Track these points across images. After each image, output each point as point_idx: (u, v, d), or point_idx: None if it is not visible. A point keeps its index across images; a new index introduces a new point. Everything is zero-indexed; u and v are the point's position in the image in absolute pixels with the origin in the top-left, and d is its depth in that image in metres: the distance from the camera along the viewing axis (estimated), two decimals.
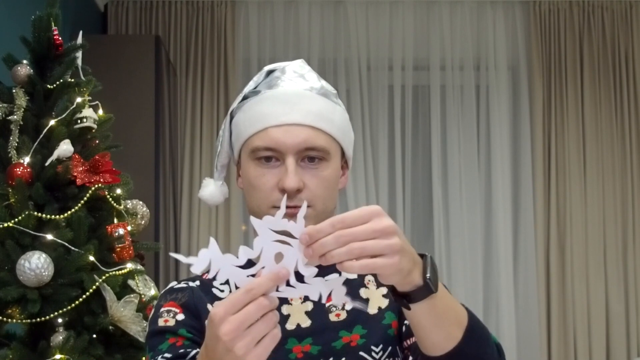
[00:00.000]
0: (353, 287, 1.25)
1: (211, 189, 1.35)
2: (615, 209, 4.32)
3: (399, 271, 0.91)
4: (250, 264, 0.92)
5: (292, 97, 1.24)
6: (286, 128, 1.21)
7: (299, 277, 0.92)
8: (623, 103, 4.39)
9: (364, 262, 0.89)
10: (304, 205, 0.95)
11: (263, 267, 0.91)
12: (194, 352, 1.15)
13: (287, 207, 1.21)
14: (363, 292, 1.26)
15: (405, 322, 1.21)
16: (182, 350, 1.16)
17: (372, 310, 1.23)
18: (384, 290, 1.25)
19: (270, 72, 1.29)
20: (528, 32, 4.45)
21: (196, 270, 0.91)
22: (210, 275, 0.88)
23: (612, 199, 4.32)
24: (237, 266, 0.91)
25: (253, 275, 0.91)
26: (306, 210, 1.22)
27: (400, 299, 0.97)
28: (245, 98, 1.28)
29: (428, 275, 0.95)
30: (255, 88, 1.28)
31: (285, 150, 1.20)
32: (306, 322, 1.20)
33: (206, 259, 0.90)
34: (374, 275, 1.26)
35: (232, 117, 1.30)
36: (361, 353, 1.18)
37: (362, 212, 0.91)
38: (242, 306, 0.90)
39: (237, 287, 0.91)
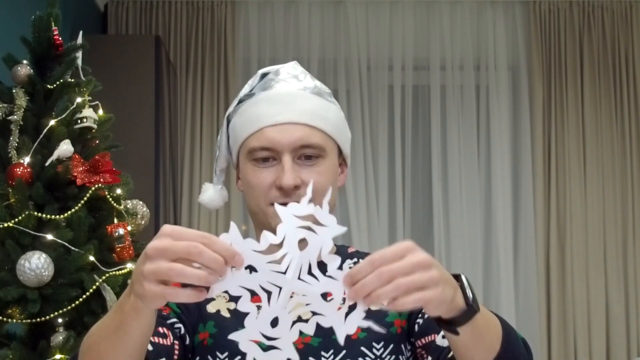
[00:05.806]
0: None
1: (210, 194, 1.37)
2: (615, 209, 4.32)
3: (443, 301, 0.91)
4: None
5: (286, 97, 1.25)
6: (281, 127, 1.22)
7: (323, 270, 0.89)
8: (623, 103, 4.38)
9: (417, 296, 0.87)
10: (309, 189, 0.92)
11: (286, 254, 0.88)
12: (173, 320, 1.19)
13: (286, 204, 1.22)
14: None
15: (419, 320, 1.22)
16: (165, 313, 1.19)
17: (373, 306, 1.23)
18: None
19: (264, 74, 1.31)
20: (528, 32, 4.45)
21: None
22: None
23: (612, 199, 4.32)
24: (257, 251, 0.88)
25: (278, 262, 0.88)
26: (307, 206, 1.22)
27: (448, 327, 0.97)
28: (240, 101, 1.30)
29: (470, 296, 0.97)
30: (250, 91, 1.30)
31: (281, 149, 1.22)
32: (308, 314, 1.20)
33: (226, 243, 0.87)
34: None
35: (228, 122, 1.32)
36: (362, 348, 1.19)
37: (398, 248, 0.89)
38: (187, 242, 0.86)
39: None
